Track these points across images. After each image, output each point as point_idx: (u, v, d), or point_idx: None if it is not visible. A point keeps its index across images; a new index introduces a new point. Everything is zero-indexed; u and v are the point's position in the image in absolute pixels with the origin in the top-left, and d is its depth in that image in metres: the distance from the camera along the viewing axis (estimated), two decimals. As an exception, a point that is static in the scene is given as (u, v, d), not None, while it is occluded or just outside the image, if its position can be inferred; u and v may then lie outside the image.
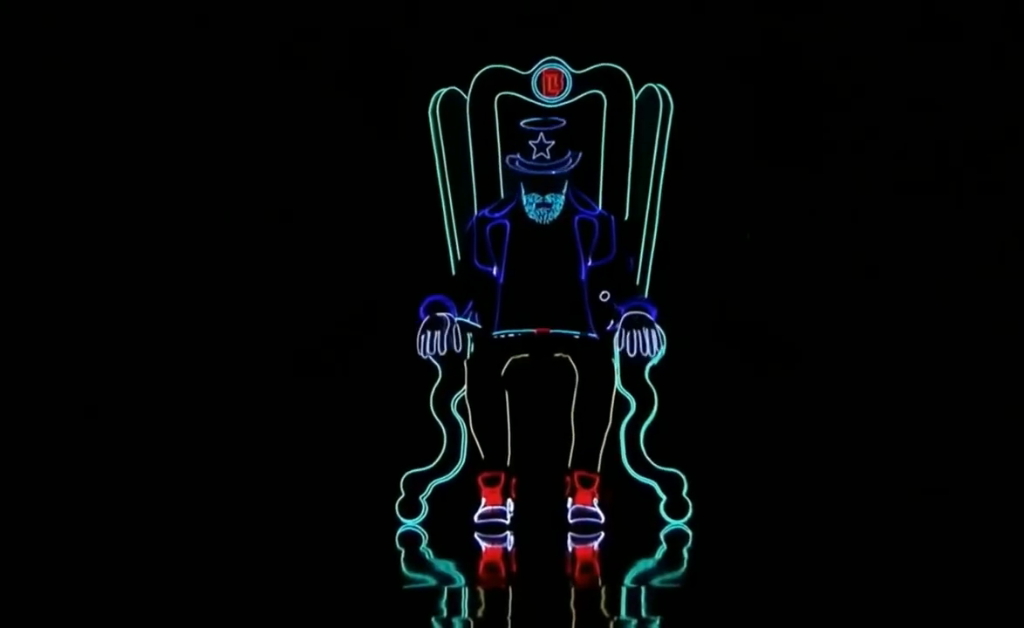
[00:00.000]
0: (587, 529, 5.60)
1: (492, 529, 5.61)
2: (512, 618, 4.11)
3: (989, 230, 6.74)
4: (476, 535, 5.54)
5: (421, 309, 5.79)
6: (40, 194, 6.78)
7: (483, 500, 5.69)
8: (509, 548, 5.35)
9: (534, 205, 6.01)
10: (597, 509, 5.67)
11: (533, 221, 6.01)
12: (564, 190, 6.03)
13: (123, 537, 5.47)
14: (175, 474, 6.57)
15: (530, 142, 5.99)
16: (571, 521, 5.64)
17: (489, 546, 5.35)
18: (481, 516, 5.67)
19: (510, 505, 5.73)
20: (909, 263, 6.75)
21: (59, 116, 6.78)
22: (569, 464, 5.71)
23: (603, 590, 4.52)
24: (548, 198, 6.00)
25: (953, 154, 6.76)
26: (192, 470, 6.58)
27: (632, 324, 5.69)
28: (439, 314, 5.72)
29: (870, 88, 6.79)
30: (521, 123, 6.05)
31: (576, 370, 5.71)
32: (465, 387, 5.73)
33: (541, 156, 5.98)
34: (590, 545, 5.39)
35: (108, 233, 6.77)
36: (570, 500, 5.71)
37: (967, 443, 6.59)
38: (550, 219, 6.01)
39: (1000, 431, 6.60)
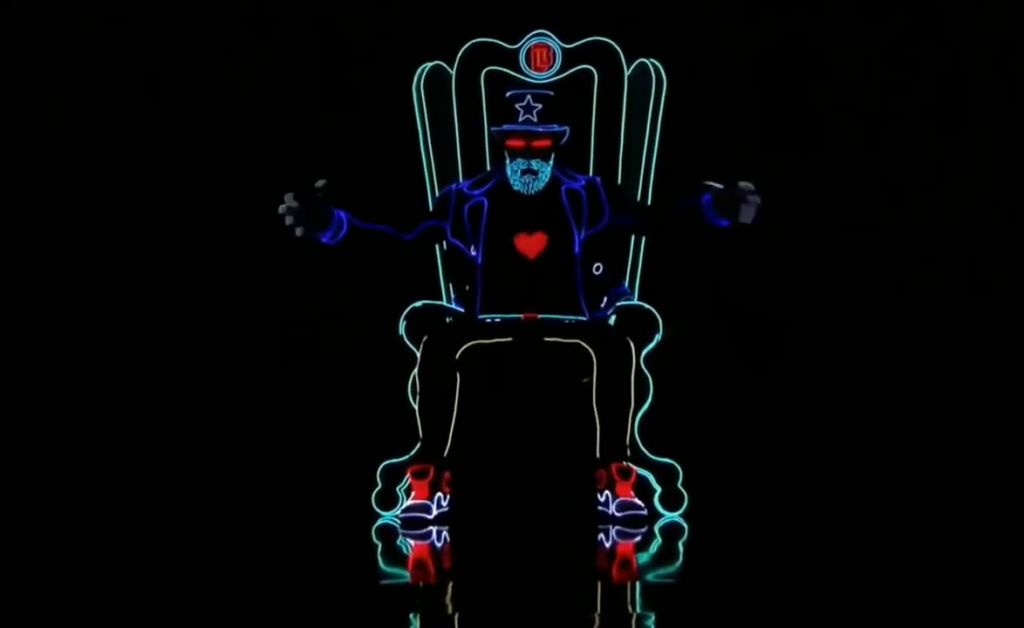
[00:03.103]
0: (634, 523, 5.44)
1: (413, 524, 5.43)
2: (498, 613, 3.99)
3: (988, 221, 6.69)
4: (400, 530, 5.39)
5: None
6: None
7: (412, 493, 5.54)
8: (438, 544, 5.19)
9: (519, 172, 5.79)
10: (639, 501, 5.52)
11: (517, 192, 5.79)
12: (551, 161, 5.82)
13: (96, 529, 5.40)
14: (146, 465, 6.48)
15: (517, 105, 5.81)
16: (618, 514, 5.48)
17: (414, 542, 5.19)
18: (405, 510, 5.51)
19: (439, 500, 5.55)
20: (907, 250, 6.68)
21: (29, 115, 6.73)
22: (597, 455, 5.55)
23: (601, 586, 4.44)
24: (534, 164, 5.79)
25: (954, 141, 6.71)
26: (161, 462, 6.50)
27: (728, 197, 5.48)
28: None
29: (870, 65, 6.71)
30: (508, 93, 5.88)
31: (593, 356, 5.52)
32: (416, 366, 5.57)
33: (528, 118, 5.78)
34: (633, 539, 5.25)
35: (84, 224, 6.71)
36: (608, 494, 5.55)
37: (964, 432, 6.54)
38: (535, 189, 5.80)
39: (996, 423, 6.56)
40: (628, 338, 5.58)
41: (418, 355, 5.56)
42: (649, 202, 6.05)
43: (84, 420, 6.57)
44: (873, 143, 6.70)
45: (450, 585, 4.47)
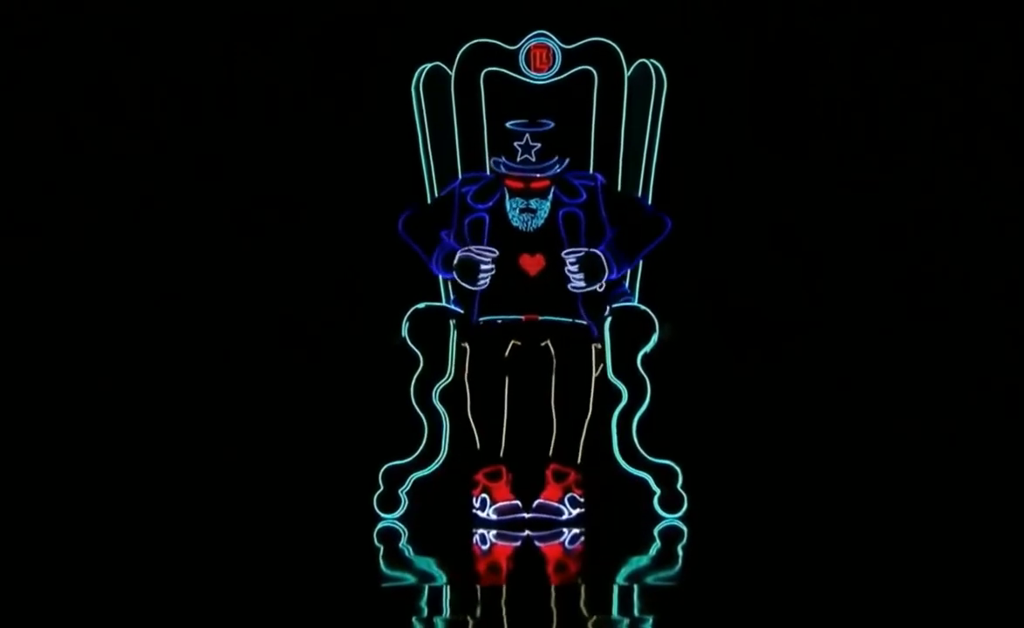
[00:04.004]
0: (546, 526, 5.40)
1: (512, 525, 5.40)
2: (496, 617, 4.01)
3: (986, 219, 6.67)
4: (485, 532, 5.33)
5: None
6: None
7: (484, 497, 5.49)
8: (519, 545, 5.18)
9: (517, 211, 5.78)
10: (562, 505, 5.47)
11: (516, 228, 5.79)
12: (549, 196, 5.80)
13: (97, 533, 5.36)
14: (148, 468, 6.44)
15: (515, 143, 5.76)
16: (526, 516, 5.45)
17: (502, 544, 5.17)
18: (499, 511, 5.46)
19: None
20: (907, 250, 6.66)
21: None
22: (550, 455, 5.54)
23: (582, 588, 4.42)
24: (533, 204, 5.78)
25: (952, 141, 6.69)
26: (163, 465, 6.46)
27: (586, 263, 5.58)
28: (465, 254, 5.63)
29: (870, 65, 6.69)
30: (508, 123, 5.82)
31: (554, 357, 5.51)
32: (462, 371, 5.54)
33: (526, 158, 5.74)
34: (550, 542, 5.21)
35: (87, 226, 6.66)
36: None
37: (966, 435, 6.53)
38: (534, 227, 5.78)
39: (997, 423, 6.55)
40: (595, 346, 5.58)
41: (464, 362, 5.55)
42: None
43: (86, 424, 6.54)
44: (872, 143, 6.67)
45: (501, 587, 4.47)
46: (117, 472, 6.42)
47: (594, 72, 6.13)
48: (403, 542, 5.26)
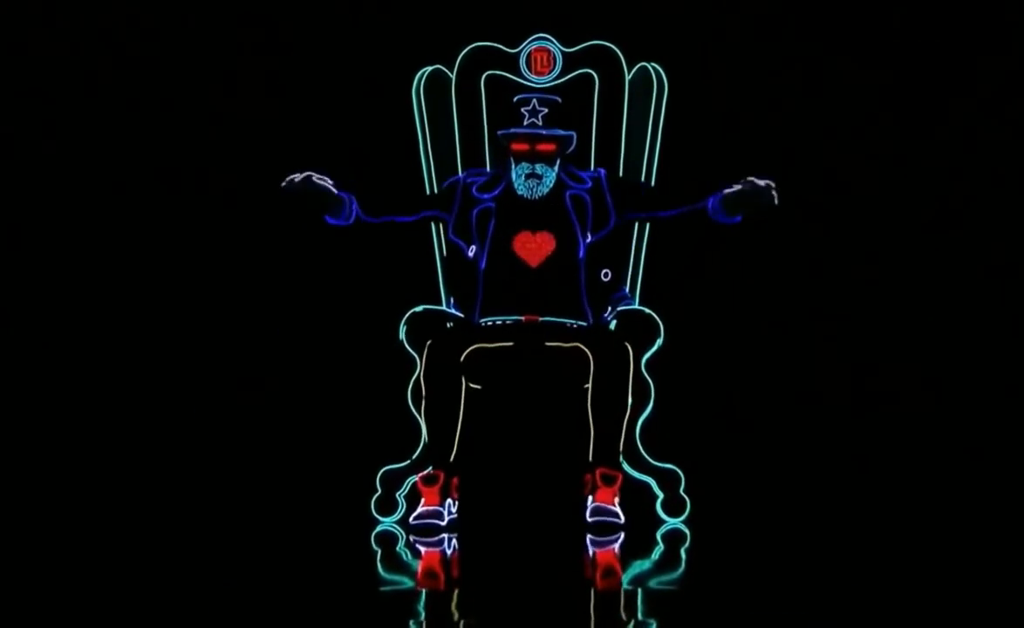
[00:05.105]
0: (606, 529, 5.38)
1: (426, 531, 5.38)
2: (496, 622, 3.96)
3: (989, 221, 6.66)
4: (411, 538, 5.34)
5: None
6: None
7: (422, 500, 5.49)
8: (449, 552, 5.15)
9: (523, 176, 5.74)
10: (618, 509, 5.45)
11: (522, 196, 5.75)
12: (556, 166, 5.76)
13: (94, 536, 5.35)
14: (144, 470, 6.42)
15: (523, 109, 5.76)
16: (589, 520, 5.43)
17: (425, 549, 5.15)
18: (416, 517, 5.46)
19: (449, 506, 5.51)
20: (910, 253, 6.65)
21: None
22: (590, 458, 5.49)
23: (593, 593, 4.39)
24: (539, 169, 5.74)
25: (955, 142, 6.68)
26: (160, 467, 6.45)
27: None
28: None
29: (871, 68, 6.67)
30: (515, 98, 5.83)
31: (591, 358, 5.47)
32: (422, 369, 5.51)
33: (533, 122, 5.73)
34: (606, 547, 5.20)
35: (87, 225, 6.65)
36: (590, 498, 5.48)
37: (968, 438, 6.52)
38: (539, 193, 5.75)
39: (1001, 424, 6.53)
40: (627, 343, 5.53)
41: (421, 360, 5.51)
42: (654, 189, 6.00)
43: (83, 424, 6.52)
44: (873, 147, 6.65)
45: (456, 593, 4.43)
46: (114, 474, 6.39)
47: (595, 75, 6.13)
48: (401, 545, 5.24)
